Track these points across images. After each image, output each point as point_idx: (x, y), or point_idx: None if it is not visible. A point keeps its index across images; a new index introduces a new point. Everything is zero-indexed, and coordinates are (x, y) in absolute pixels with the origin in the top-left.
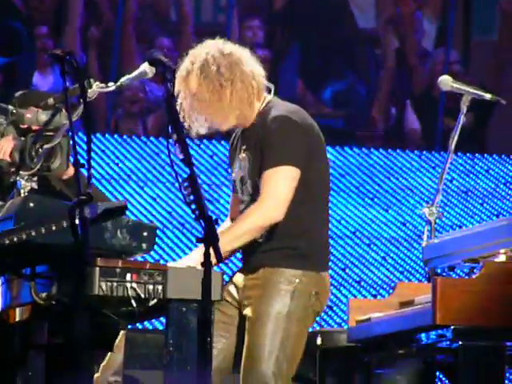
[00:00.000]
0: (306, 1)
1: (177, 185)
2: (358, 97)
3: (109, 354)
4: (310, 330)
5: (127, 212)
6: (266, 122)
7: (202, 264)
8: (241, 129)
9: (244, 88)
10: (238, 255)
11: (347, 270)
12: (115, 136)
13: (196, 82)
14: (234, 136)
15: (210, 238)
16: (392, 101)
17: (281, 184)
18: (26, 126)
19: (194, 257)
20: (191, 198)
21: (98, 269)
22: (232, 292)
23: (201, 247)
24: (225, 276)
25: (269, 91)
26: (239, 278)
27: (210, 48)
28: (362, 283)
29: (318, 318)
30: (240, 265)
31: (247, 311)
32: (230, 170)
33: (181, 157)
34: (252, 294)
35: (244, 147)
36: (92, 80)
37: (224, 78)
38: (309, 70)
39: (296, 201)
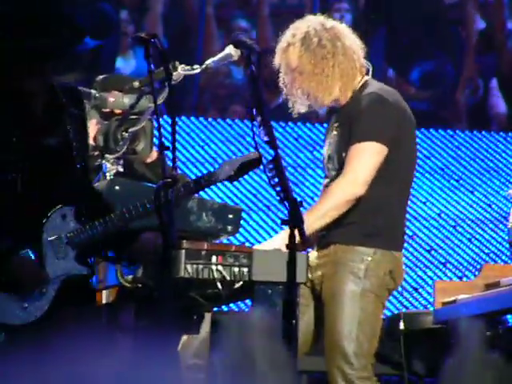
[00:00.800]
0: None
1: (261, 167)
2: (444, 78)
3: (184, 337)
4: (396, 311)
5: (212, 195)
6: (358, 99)
7: (287, 246)
8: (336, 107)
9: (346, 61)
10: None
11: (432, 252)
12: (200, 119)
13: (297, 54)
14: (328, 113)
15: (295, 220)
16: (477, 81)
17: (365, 159)
18: (108, 110)
19: (279, 239)
20: (276, 180)
21: (183, 251)
22: None
23: (286, 229)
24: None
25: (367, 71)
26: (312, 257)
27: (312, 22)
28: (448, 265)
29: (403, 300)
30: None
31: (321, 289)
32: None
33: (265, 139)
34: (324, 272)
35: (336, 125)
36: (177, 62)
37: (326, 51)
38: (396, 52)
39: (378, 178)
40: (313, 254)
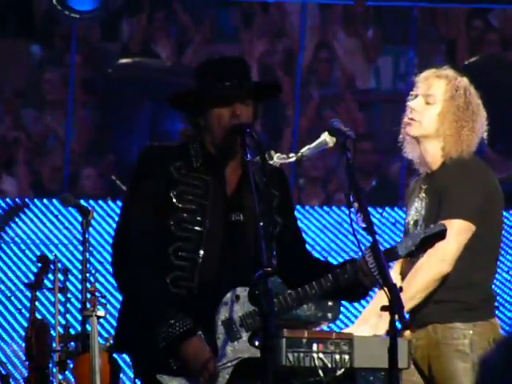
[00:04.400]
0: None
1: (360, 254)
2: None
3: None
4: None
5: None
6: (450, 170)
7: (388, 332)
8: (425, 172)
9: (473, 134)
10: None
11: None
12: (297, 207)
13: (444, 89)
14: (416, 179)
15: (396, 306)
16: None
17: (452, 238)
18: None
19: (377, 324)
20: (374, 265)
21: (284, 340)
22: None
23: (379, 313)
24: None
25: None
26: (407, 335)
27: (465, 81)
28: None
29: None
30: None
31: (429, 372)
32: (405, 211)
33: (363, 225)
34: (427, 353)
35: (425, 188)
36: (272, 152)
37: (468, 113)
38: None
39: (467, 253)
40: (407, 333)
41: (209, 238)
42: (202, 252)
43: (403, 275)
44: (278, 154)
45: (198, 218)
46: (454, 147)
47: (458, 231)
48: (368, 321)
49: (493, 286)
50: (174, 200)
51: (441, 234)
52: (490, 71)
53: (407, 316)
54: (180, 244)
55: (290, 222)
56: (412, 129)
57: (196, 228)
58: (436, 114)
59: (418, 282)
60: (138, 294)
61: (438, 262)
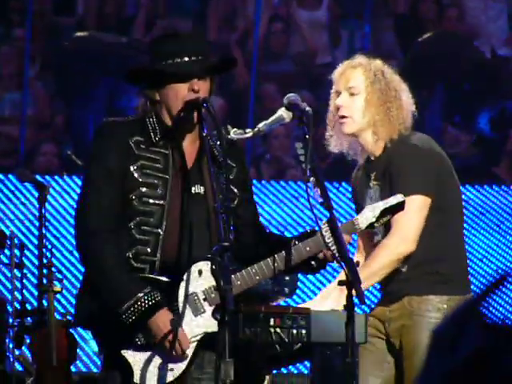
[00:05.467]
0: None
1: (317, 228)
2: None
3: None
4: None
5: None
6: (396, 151)
7: (346, 306)
8: (365, 158)
9: (403, 113)
10: (377, 286)
11: (491, 309)
12: (254, 181)
13: (365, 77)
14: (357, 168)
15: (352, 281)
16: None
17: (412, 215)
18: None
19: (332, 299)
20: (331, 241)
21: (241, 315)
22: (378, 326)
23: (338, 288)
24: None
25: None
26: (382, 311)
27: (379, 64)
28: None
29: None
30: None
31: (399, 344)
32: (353, 202)
33: (320, 200)
34: (399, 325)
35: (373, 175)
36: (229, 127)
37: (391, 95)
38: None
39: (432, 226)
40: (382, 309)
41: (171, 212)
42: (164, 226)
43: (366, 254)
44: (235, 129)
45: (160, 192)
46: (388, 129)
47: (418, 207)
48: (329, 296)
49: (467, 262)
50: (135, 174)
51: (400, 205)
52: (445, 46)
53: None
54: (142, 218)
55: (247, 195)
56: (346, 127)
57: (158, 202)
58: (362, 103)
59: (381, 259)
60: (101, 269)
61: (401, 240)
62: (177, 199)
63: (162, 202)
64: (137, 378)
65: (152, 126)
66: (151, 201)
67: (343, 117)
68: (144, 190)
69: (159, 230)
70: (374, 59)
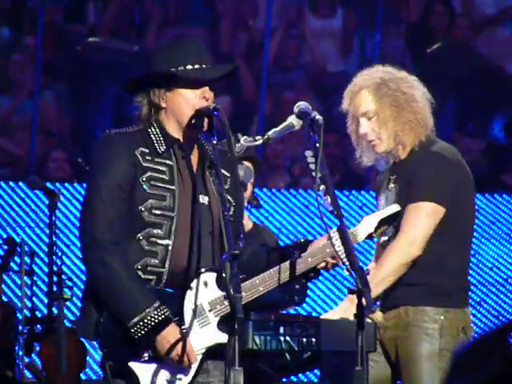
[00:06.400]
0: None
1: (319, 237)
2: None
3: None
4: None
5: None
6: (417, 157)
7: (355, 315)
8: (391, 162)
9: (423, 111)
10: None
11: (500, 318)
12: (264, 190)
13: (371, 98)
14: (382, 171)
15: (362, 289)
16: None
17: (420, 220)
18: None
19: (346, 308)
20: (342, 249)
21: (251, 323)
22: None
23: (351, 297)
24: None
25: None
26: (378, 317)
27: (382, 69)
28: None
29: None
30: None
31: (395, 354)
32: (376, 202)
33: (330, 208)
34: (395, 335)
35: (393, 178)
36: (239, 134)
37: (405, 97)
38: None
39: (440, 237)
40: (379, 315)
41: (179, 223)
42: (173, 238)
43: (377, 257)
44: (245, 137)
45: (168, 204)
46: (413, 135)
47: (428, 213)
48: (341, 307)
49: (468, 277)
50: (144, 186)
51: (397, 215)
52: (455, 57)
53: (378, 300)
54: (151, 230)
55: (239, 203)
56: (378, 149)
57: (166, 214)
58: (379, 123)
59: (387, 265)
60: (108, 283)
61: (407, 245)
62: (185, 210)
63: (170, 213)
64: None
65: (156, 137)
66: (160, 212)
67: (372, 141)
68: (153, 201)
69: (169, 242)
70: (369, 71)
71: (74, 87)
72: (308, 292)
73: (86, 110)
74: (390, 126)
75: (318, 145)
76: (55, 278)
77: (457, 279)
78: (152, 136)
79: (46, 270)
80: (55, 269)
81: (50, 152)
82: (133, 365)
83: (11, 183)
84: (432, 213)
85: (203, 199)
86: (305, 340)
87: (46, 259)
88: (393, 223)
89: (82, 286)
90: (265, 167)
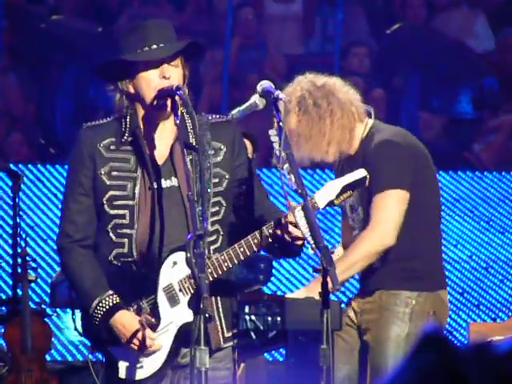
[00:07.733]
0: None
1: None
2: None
3: None
4: None
5: None
6: (369, 148)
7: (320, 294)
8: (345, 156)
9: (344, 115)
10: (357, 276)
11: (465, 295)
12: None
13: (295, 119)
14: (337, 164)
15: (327, 268)
16: None
17: (390, 208)
18: None
19: (311, 287)
20: (306, 227)
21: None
22: (351, 316)
23: (317, 277)
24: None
25: (369, 115)
26: (357, 302)
27: (302, 83)
28: (481, 307)
29: None
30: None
31: (367, 336)
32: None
33: (294, 187)
34: (369, 317)
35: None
36: (203, 113)
37: (322, 110)
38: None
39: (408, 222)
40: (358, 300)
41: (141, 211)
42: (136, 226)
43: (346, 246)
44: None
45: (128, 193)
46: (346, 137)
47: (397, 201)
48: (309, 285)
49: (441, 258)
50: (104, 178)
51: (362, 181)
52: (414, 36)
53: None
54: (116, 221)
55: (242, 176)
56: (328, 160)
57: (127, 203)
58: (318, 142)
59: (359, 251)
60: (72, 280)
61: (381, 234)
62: (148, 197)
63: (131, 202)
64: (122, 372)
65: (125, 125)
66: (120, 202)
67: (318, 159)
68: (113, 193)
69: (132, 231)
70: (290, 88)
71: (37, 69)
72: (273, 271)
73: (47, 93)
74: (326, 139)
75: (281, 124)
76: (19, 260)
77: (429, 262)
78: (123, 124)
79: (10, 251)
80: (19, 250)
81: (10, 134)
82: (112, 350)
83: None
84: (399, 199)
85: (172, 182)
86: (270, 319)
87: (10, 241)
88: (357, 189)
89: (47, 268)
90: None
